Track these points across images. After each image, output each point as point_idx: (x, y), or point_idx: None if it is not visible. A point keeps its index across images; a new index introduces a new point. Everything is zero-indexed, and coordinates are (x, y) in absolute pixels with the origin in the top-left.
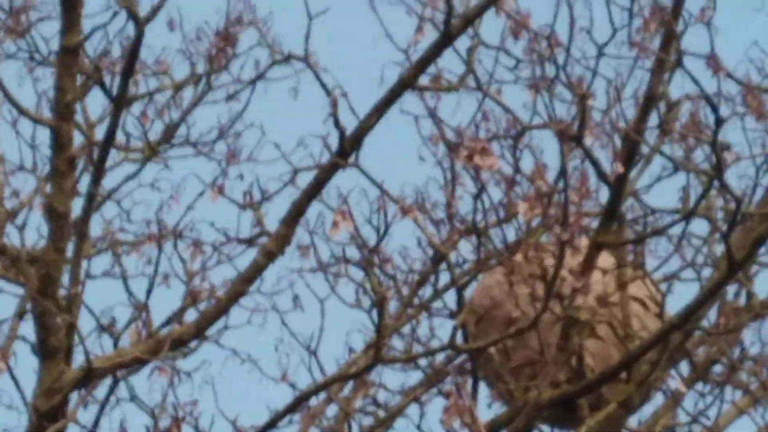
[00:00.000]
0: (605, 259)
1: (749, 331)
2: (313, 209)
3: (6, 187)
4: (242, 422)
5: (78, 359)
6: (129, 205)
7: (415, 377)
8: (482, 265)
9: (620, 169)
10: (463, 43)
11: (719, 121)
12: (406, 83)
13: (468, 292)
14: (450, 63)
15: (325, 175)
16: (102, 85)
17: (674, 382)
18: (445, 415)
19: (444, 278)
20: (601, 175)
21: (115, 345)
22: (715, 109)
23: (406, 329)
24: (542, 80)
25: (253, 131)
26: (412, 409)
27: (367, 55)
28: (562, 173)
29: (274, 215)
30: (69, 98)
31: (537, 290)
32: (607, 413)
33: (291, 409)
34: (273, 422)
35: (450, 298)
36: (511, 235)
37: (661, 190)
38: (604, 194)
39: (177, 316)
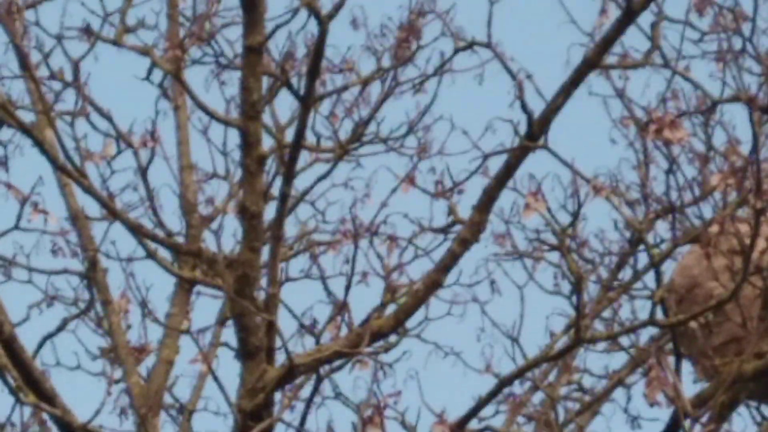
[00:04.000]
0: None
1: None
2: (507, 197)
3: (200, 193)
4: (449, 415)
5: (279, 360)
6: (323, 205)
7: (619, 360)
8: (679, 243)
9: None
10: (646, 19)
11: None
12: (592, 63)
13: (667, 273)
14: (635, 41)
15: (515, 159)
16: (289, 86)
17: None
18: (647, 389)
19: (642, 259)
20: None
21: (317, 343)
22: None
23: (607, 313)
24: (729, 53)
25: (442, 123)
26: (618, 393)
27: (549, 42)
28: (754, 144)
29: (466, 204)
30: (255, 98)
31: (736, 264)
32: None
33: (493, 395)
34: (476, 410)
35: (650, 279)
36: (707, 212)
37: None
38: None
39: (377, 313)
